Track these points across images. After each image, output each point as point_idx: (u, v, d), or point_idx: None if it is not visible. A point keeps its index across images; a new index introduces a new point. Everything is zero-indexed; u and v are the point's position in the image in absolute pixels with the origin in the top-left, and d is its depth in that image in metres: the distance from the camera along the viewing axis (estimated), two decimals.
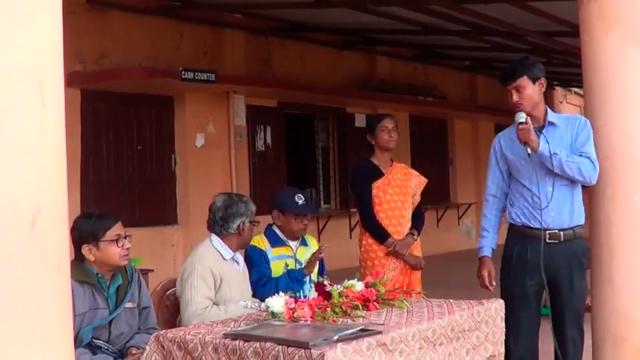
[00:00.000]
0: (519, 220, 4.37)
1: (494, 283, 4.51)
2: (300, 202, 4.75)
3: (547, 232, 4.27)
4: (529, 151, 4.18)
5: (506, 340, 4.37)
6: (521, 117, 4.21)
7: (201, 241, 4.37)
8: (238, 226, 4.30)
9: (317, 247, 4.87)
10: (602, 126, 4.36)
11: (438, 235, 14.50)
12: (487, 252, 4.55)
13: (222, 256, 4.25)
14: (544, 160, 4.20)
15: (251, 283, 4.50)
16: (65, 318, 2.20)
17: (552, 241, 4.28)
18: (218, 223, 4.32)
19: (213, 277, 4.14)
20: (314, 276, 4.72)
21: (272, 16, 11.37)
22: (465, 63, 16.11)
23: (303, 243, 4.85)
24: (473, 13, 9.95)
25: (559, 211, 4.28)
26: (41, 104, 2.05)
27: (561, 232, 4.29)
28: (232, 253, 4.31)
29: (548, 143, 4.17)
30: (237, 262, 4.36)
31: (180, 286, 4.20)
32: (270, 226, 4.80)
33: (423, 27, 11.44)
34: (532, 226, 4.30)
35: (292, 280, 4.61)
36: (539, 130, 4.28)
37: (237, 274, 4.31)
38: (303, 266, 4.74)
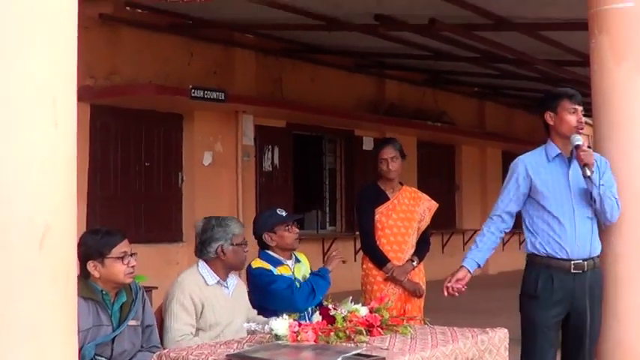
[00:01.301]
0: (544, 251, 4.25)
1: (456, 288, 4.30)
2: (284, 213, 4.77)
3: (572, 262, 4.20)
4: (588, 172, 4.06)
5: None
6: (578, 139, 4.13)
7: (189, 266, 4.36)
8: (216, 249, 4.24)
9: (308, 263, 4.91)
10: (611, 156, 4.35)
11: (442, 260, 14.42)
12: (466, 263, 4.36)
13: (206, 282, 4.22)
14: (589, 187, 4.13)
15: (278, 295, 4.49)
16: (70, 334, 2.20)
17: (577, 271, 4.20)
18: (199, 248, 4.31)
19: (193, 304, 4.12)
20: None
21: (283, 37, 11.41)
22: (473, 89, 16.14)
23: (297, 261, 4.86)
24: (483, 40, 9.97)
25: (583, 242, 4.21)
26: (54, 123, 2.06)
27: (585, 262, 4.22)
28: (217, 278, 4.25)
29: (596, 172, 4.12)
30: (227, 287, 4.31)
31: (164, 312, 4.20)
32: (261, 252, 4.78)
33: (434, 52, 11.47)
34: (557, 256, 4.21)
35: (323, 278, 4.66)
36: (569, 159, 4.24)
37: (224, 298, 4.25)
38: (324, 264, 4.81)
